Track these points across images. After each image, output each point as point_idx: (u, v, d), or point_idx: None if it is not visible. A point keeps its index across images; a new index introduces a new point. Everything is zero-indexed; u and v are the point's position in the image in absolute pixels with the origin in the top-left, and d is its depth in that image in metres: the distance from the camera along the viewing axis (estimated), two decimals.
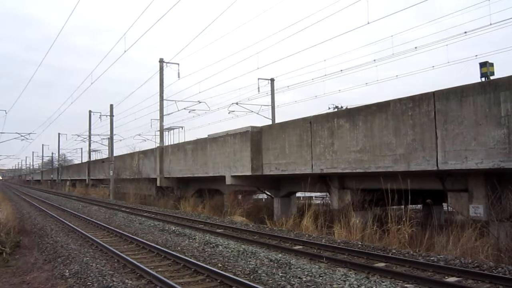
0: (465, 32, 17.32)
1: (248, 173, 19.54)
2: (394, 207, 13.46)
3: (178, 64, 33.00)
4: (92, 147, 61.04)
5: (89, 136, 57.21)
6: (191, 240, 13.28)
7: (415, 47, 20.18)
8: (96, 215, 22.56)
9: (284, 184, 20.57)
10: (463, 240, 10.79)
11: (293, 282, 7.92)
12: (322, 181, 17.52)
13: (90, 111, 54.39)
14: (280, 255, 10.74)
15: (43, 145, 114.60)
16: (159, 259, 10.72)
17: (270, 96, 32.80)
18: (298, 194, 24.69)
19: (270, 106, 32.75)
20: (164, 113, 33.74)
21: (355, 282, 7.87)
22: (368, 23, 18.41)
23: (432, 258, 9.75)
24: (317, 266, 9.29)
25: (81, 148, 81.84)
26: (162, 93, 33.52)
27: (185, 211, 23.98)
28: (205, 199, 26.21)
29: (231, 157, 21.06)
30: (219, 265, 9.68)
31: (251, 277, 8.50)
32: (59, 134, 73.60)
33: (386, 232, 12.82)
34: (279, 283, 7.94)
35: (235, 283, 7.82)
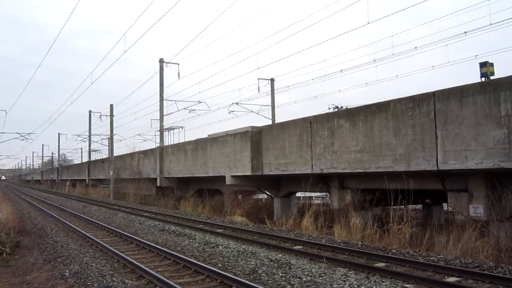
0: (465, 32, 17.32)
1: (248, 173, 19.54)
2: (394, 207, 13.46)
3: (178, 64, 33.05)
4: (92, 147, 61.10)
5: (89, 136, 57.23)
6: (191, 240, 13.28)
7: (415, 47, 20.19)
8: (96, 215, 22.56)
9: (284, 184, 20.57)
10: (463, 240, 10.79)
11: (293, 282, 7.92)
12: (322, 181, 17.52)
13: (90, 111, 54.46)
14: (280, 255, 10.74)
15: (43, 145, 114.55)
16: (159, 259, 10.72)
17: (270, 96, 32.83)
18: (298, 194, 24.69)
19: (270, 106, 32.76)
20: (164, 113, 33.77)
21: (355, 282, 7.87)
22: (368, 23, 18.42)
23: (432, 258, 9.75)
24: (317, 266, 9.29)
25: (81, 148, 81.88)
26: (162, 93, 33.54)
27: (185, 211, 23.98)
28: (205, 199, 26.21)
29: (231, 157, 21.06)
30: (219, 265, 9.68)
31: (251, 277, 8.50)
32: (59, 134, 73.64)
33: (386, 232, 12.83)
34: (279, 283, 7.94)
35: (235, 283, 7.82)
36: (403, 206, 13.87)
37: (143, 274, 8.80)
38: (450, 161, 11.36)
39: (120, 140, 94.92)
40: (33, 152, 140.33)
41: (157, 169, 30.61)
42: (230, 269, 9.24)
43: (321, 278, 8.21)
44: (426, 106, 12.02)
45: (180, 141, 31.35)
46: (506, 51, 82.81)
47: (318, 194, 26.86)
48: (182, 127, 37.60)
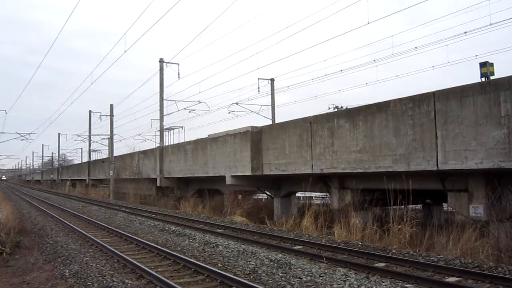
0: (465, 32, 17.33)
1: (248, 173, 19.54)
2: (394, 207, 13.47)
3: (178, 64, 33.02)
4: (92, 147, 61.09)
5: (89, 136, 57.25)
6: (191, 240, 13.28)
7: (415, 47, 20.19)
8: (96, 215, 22.56)
9: (284, 184, 20.57)
10: (463, 240, 10.79)
11: (293, 282, 7.92)
12: (322, 181, 17.52)
13: (90, 111, 54.46)
14: (280, 255, 10.74)
15: (43, 145, 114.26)
16: (159, 259, 10.72)
17: (270, 96, 32.83)
18: (298, 194, 24.69)
19: (270, 106, 32.76)
20: (164, 113, 33.77)
21: (355, 282, 7.87)
22: (368, 23, 18.42)
23: (432, 258, 9.75)
24: (317, 266, 9.29)
25: (81, 148, 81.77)
26: (162, 93, 33.54)
27: (185, 211, 23.98)
28: (205, 199, 26.21)
29: (231, 157, 21.06)
30: (219, 265, 9.68)
31: (251, 277, 8.50)
32: (59, 134, 73.67)
33: (386, 232, 12.83)
34: (279, 283, 7.94)
35: (235, 283, 7.82)
36: (403, 206, 13.86)
37: (143, 274, 8.80)
38: (450, 161, 11.36)
39: (120, 140, 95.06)
40: (33, 152, 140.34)
41: (157, 169, 30.61)
42: (230, 269, 9.24)
43: (321, 278, 8.21)
44: (426, 106, 12.02)
45: (180, 141, 31.38)
46: (506, 51, 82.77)
47: (318, 194, 26.86)
48: (182, 127, 37.62)
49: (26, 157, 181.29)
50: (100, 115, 44.41)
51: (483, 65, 13.76)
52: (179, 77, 32.73)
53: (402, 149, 12.70)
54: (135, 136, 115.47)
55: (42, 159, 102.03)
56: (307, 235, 13.81)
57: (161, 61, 33.54)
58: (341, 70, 24.69)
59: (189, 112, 34.60)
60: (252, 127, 19.83)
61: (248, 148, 19.56)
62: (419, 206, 18.10)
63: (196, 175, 25.62)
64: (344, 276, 8.34)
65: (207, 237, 13.69)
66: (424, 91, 12.28)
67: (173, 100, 34.28)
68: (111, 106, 40.31)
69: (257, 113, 32.32)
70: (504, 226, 10.79)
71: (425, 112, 12.03)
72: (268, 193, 22.95)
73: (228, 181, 21.28)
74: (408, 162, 12.49)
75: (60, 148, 75.11)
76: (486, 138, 10.55)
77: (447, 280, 8.18)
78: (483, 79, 13.21)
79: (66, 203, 32.74)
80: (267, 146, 18.94)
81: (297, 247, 11.99)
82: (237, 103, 31.68)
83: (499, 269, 8.63)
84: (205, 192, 26.87)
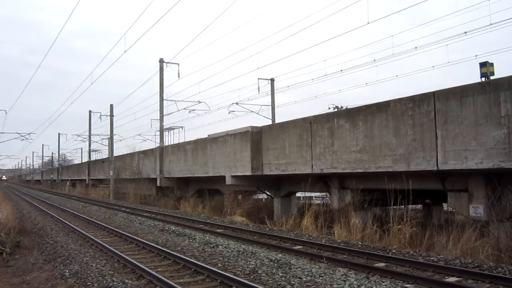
0: (465, 32, 17.32)
1: (248, 173, 19.54)
2: (394, 207, 13.47)
3: (178, 64, 33.01)
4: (92, 147, 61.09)
5: (89, 136, 57.25)
6: (191, 240, 13.28)
7: (415, 47, 20.19)
8: (96, 215, 22.56)
9: (284, 184, 20.57)
10: (463, 240, 10.79)
11: (293, 282, 7.92)
12: (322, 181, 17.52)
13: (90, 111, 54.47)
14: (280, 255, 10.74)
15: (43, 145, 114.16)
16: (159, 259, 10.72)
17: (270, 96, 32.83)
18: (298, 194, 24.70)
19: (270, 106, 32.76)
20: (164, 113, 33.77)
21: (355, 282, 7.87)
22: (368, 23, 18.41)
23: (432, 258, 9.75)
24: (317, 266, 9.30)
25: (81, 148, 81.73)
26: (162, 93, 33.54)
27: (185, 211, 23.98)
28: (205, 199, 26.22)
29: (231, 157, 21.06)
30: (219, 265, 9.68)
31: (251, 277, 8.51)
32: (59, 134, 73.66)
33: (386, 232, 12.83)
34: (279, 283, 7.94)
35: (235, 283, 7.82)
36: (403, 206, 13.87)
37: (143, 274, 8.80)
38: (450, 161, 11.36)
39: (120, 140, 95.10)
40: (33, 152, 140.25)
41: (157, 169, 30.61)
42: (230, 269, 9.24)
43: (321, 278, 8.21)
44: (426, 106, 12.02)
45: (180, 141, 31.38)
46: (506, 51, 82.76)
47: (318, 194, 26.87)
48: (182, 127, 37.63)
49: (26, 157, 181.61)
50: (100, 115, 44.47)
51: (483, 65, 13.76)
52: (179, 77, 32.76)
53: (402, 149, 12.70)
54: (135, 136, 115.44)
55: (42, 159, 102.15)
56: (307, 235, 13.81)
57: (161, 61, 33.54)
58: (341, 70, 24.71)
59: (189, 112, 34.64)
60: (252, 127, 19.83)
61: (248, 148, 19.56)
62: (419, 206, 18.10)
63: (196, 175, 25.62)
64: (344, 276, 8.35)
65: (207, 237, 13.69)
66: (424, 91, 12.29)
67: (173, 100, 34.32)
68: (111, 106, 40.32)
69: (257, 113, 32.35)
70: (504, 226, 10.79)
71: (425, 112, 12.03)
72: (268, 193, 22.95)
73: (228, 181, 21.29)
74: (408, 162, 12.49)
75: (60, 148, 75.18)
76: (486, 138, 10.55)
77: (447, 280, 8.18)
78: (483, 79, 13.21)
79: (66, 203, 32.74)
80: (267, 146, 18.94)
81: (297, 247, 11.99)
82: (237, 103, 31.70)
83: (499, 269, 8.63)
84: (205, 192, 26.88)
